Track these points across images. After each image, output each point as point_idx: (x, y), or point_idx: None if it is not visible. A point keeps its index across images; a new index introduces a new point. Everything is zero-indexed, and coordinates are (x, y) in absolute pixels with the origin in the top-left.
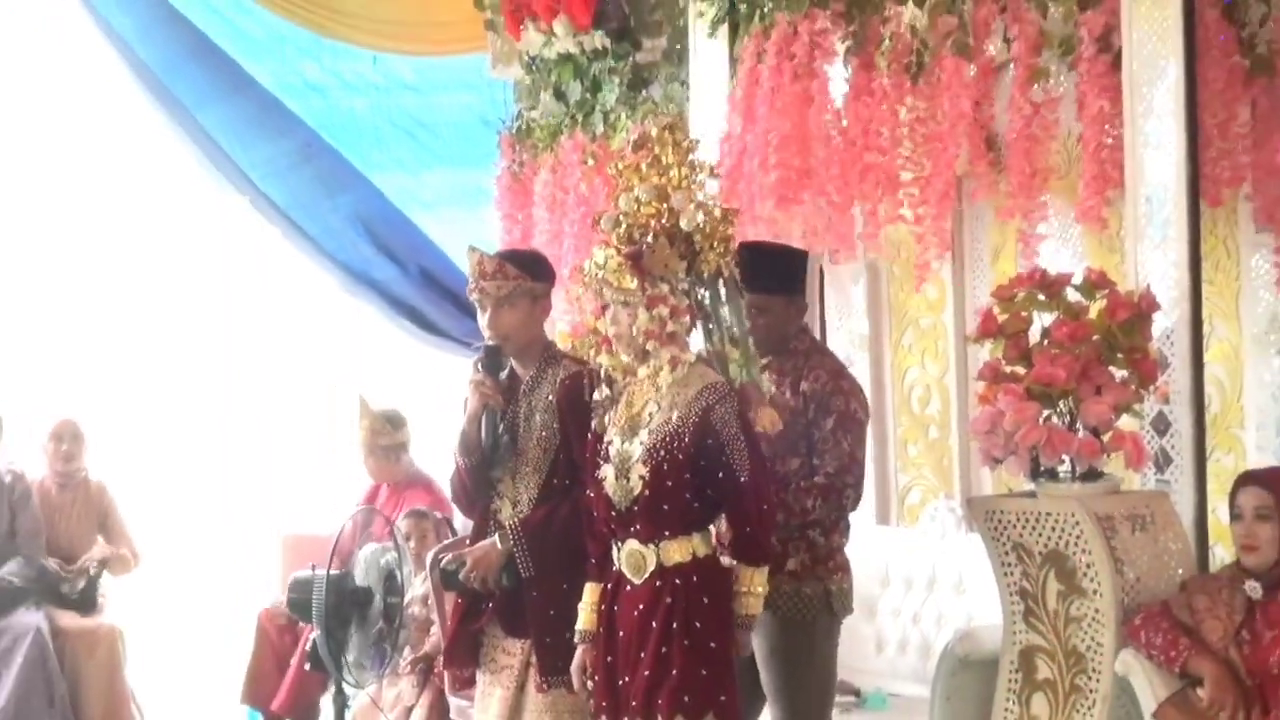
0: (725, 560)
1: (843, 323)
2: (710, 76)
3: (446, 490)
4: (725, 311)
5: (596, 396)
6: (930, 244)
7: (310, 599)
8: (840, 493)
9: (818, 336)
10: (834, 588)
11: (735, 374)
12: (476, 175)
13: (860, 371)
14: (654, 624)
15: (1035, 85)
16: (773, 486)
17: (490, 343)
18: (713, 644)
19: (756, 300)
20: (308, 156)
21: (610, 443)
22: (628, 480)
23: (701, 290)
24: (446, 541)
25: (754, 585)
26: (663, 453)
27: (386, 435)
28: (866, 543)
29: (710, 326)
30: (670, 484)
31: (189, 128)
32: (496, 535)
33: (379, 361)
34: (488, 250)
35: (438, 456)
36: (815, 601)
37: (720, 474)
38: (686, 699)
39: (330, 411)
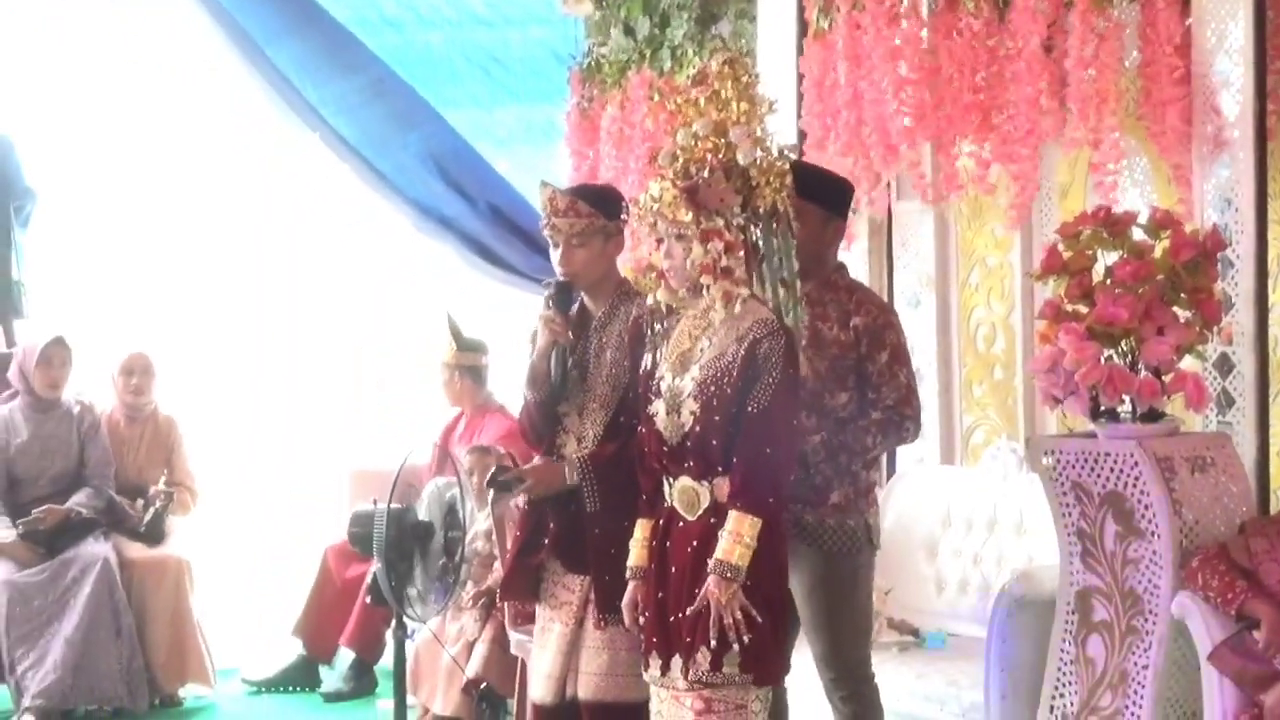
0: None
1: (909, 262)
2: (780, 12)
3: None
4: (778, 252)
5: (655, 330)
6: (1026, 181)
7: (371, 532)
8: (900, 425)
9: (884, 277)
10: (872, 521)
11: (784, 317)
12: (548, 111)
13: (926, 312)
14: (709, 561)
15: (1100, 18)
16: (788, 445)
17: (562, 279)
18: (749, 581)
19: (794, 203)
20: (380, 93)
21: (662, 378)
22: (679, 415)
23: (756, 229)
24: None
25: (741, 531)
26: (713, 388)
27: (470, 355)
28: (929, 483)
29: (762, 267)
30: (719, 419)
31: (259, 63)
32: (565, 466)
33: (453, 300)
34: (559, 186)
35: (510, 394)
36: (858, 534)
37: (745, 404)
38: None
39: (401, 349)
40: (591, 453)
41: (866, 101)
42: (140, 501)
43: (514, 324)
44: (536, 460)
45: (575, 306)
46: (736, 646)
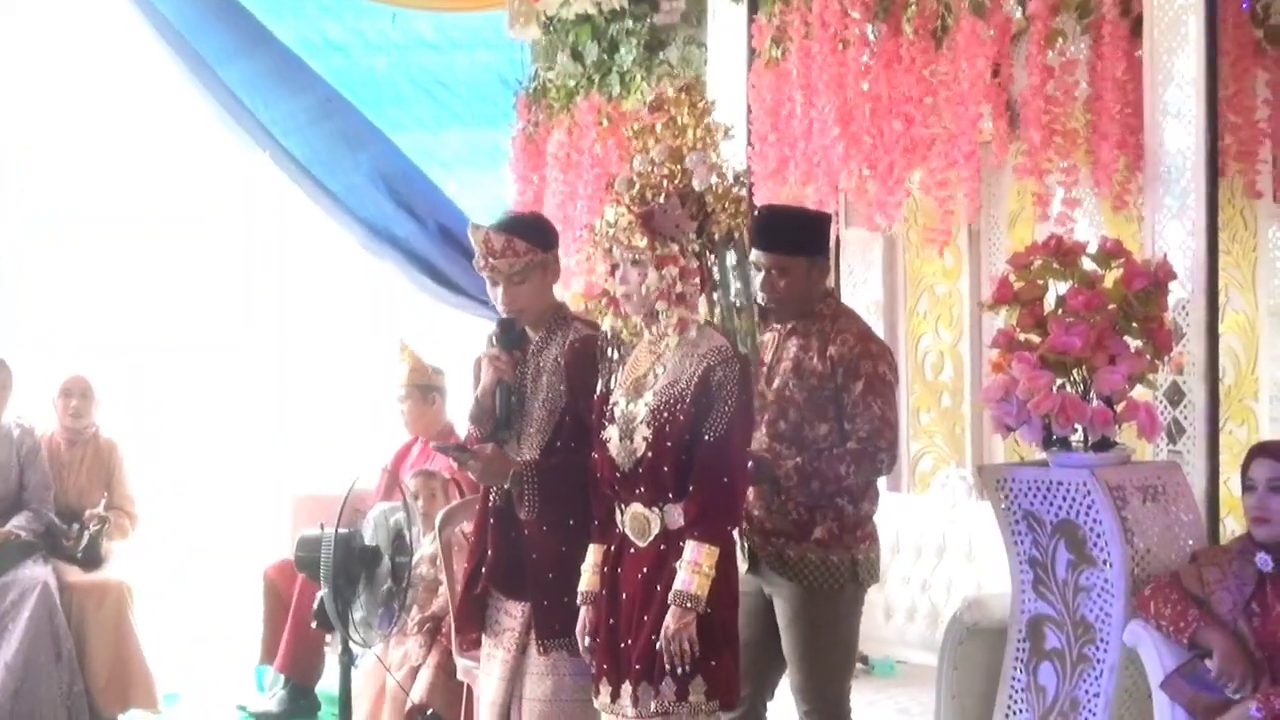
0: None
1: (857, 290)
2: (728, 40)
3: None
4: (733, 278)
5: (609, 357)
6: (961, 207)
7: (318, 557)
8: (873, 457)
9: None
10: (860, 556)
11: (739, 345)
12: (493, 135)
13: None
14: (658, 588)
15: (1051, 50)
16: (743, 473)
17: (505, 317)
18: (709, 610)
19: (777, 261)
20: (328, 113)
21: (616, 404)
22: (631, 442)
23: (711, 256)
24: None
25: (699, 561)
26: (666, 415)
27: (425, 375)
28: (880, 511)
29: (715, 295)
30: (672, 446)
31: (209, 83)
32: (511, 476)
33: (401, 324)
34: (488, 220)
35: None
36: (842, 570)
37: (699, 431)
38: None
39: (351, 371)
40: (536, 460)
41: (816, 129)
42: (75, 526)
43: (466, 354)
44: (489, 446)
45: (519, 341)
46: (701, 675)
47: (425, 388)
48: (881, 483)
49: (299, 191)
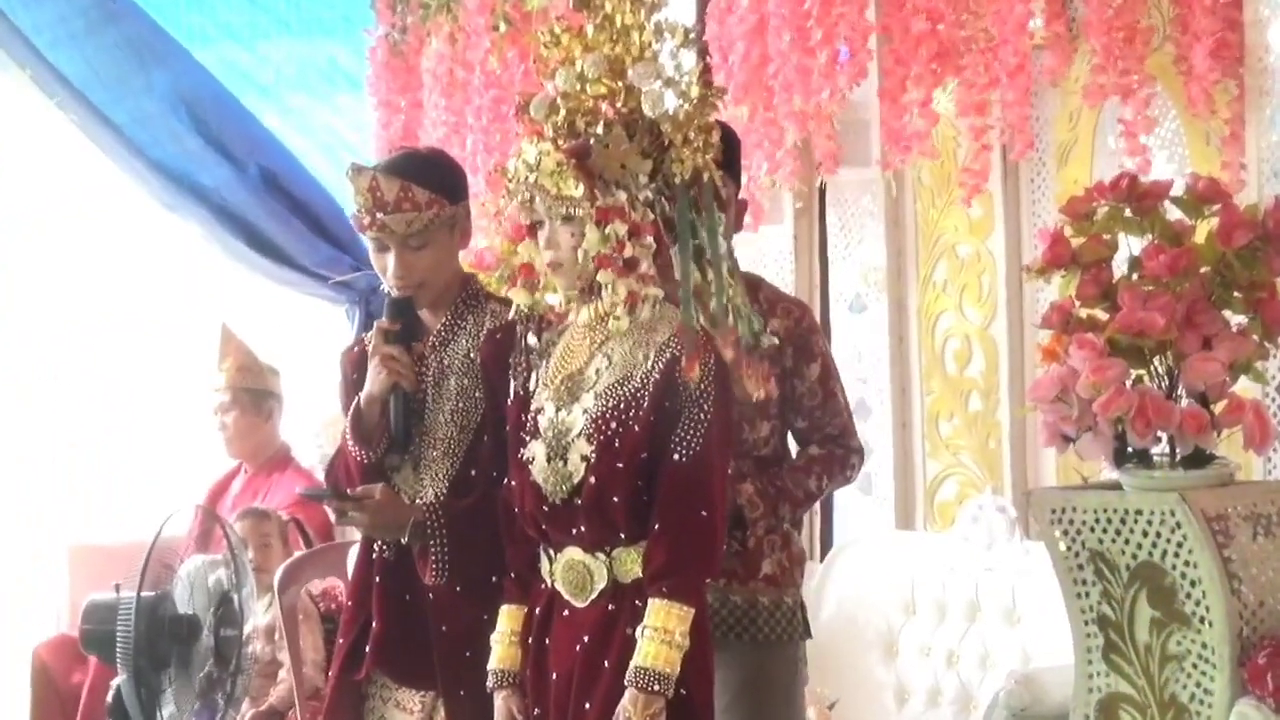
0: None
1: (850, 253)
2: None
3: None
4: (703, 231)
5: (525, 344)
6: (1011, 139)
7: (112, 630)
8: (844, 462)
9: (814, 273)
10: (803, 599)
11: (716, 319)
12: (330, 47)
13: (874, 320)
14: (605, 663)
15: None
16: (724, 504)
17: (398, 294)
18: (684, 690)
19: None
20: (111, 16)
21: (540, 411)
22: (564, 463)
23: (669, 205)
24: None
25: (668, 627)
26: (614, 425)
27: (256, 375)
28: (884, 556)
29: (676, 255)
30: (622, 467)
31: None
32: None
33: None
34: (366, 158)
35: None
36: (798, 614)
37: (663, 448)
38: None
39: (152, 375)
40: (443, 500)
41: (797, 31)
42: None
43: (303, 350)
44: (379, 488)
45: (416, 330)
46: None
47: (256, 393)
48: (888, 516)
49: (72, 130)
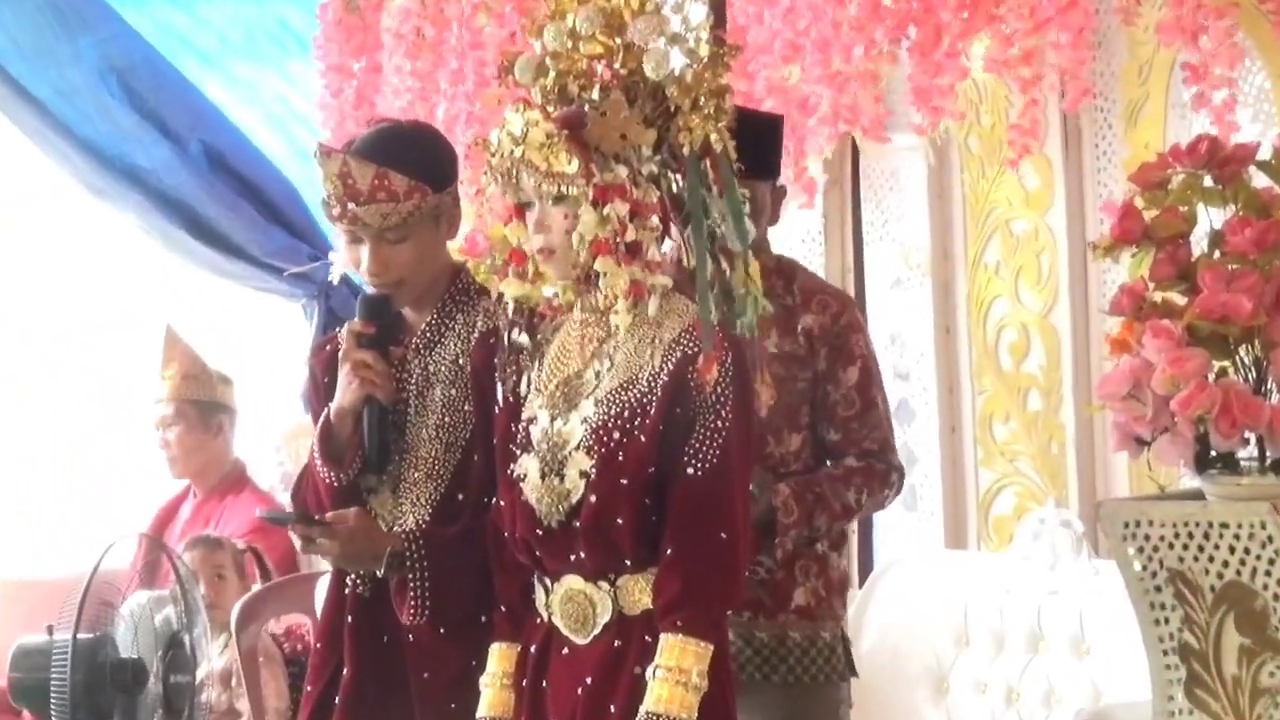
0: None
1: (888, 231)
2: None
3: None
4: (720, 210)
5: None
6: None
7: (45, 680)
8: (885, 477)
9: (847, 252)
10: (847, 633)
11: (737, 312)
12: (283, 8)
13: (918, 303)
14: (612, 708)
15: None
16: (747, 524)
17: (373, 293)
18: None
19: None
20: None
21: (533, 420)
22: (561, 480)
23: (677, 180)
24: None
25: (683, 666)
26: (618, 435)
27: (204, 385)
28: (932, 579)
29: (687, 239)
30: (628, 484)
31: None
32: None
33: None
34: (324, 135)
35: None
36: (838, 651)
37: (674, 462)
38: None
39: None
40: (426, 531)
41: None
42: None
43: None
44: (352, 513)
45: (395, 332)
46: None
47: (204, 405)
48: (937, 533)
49: None
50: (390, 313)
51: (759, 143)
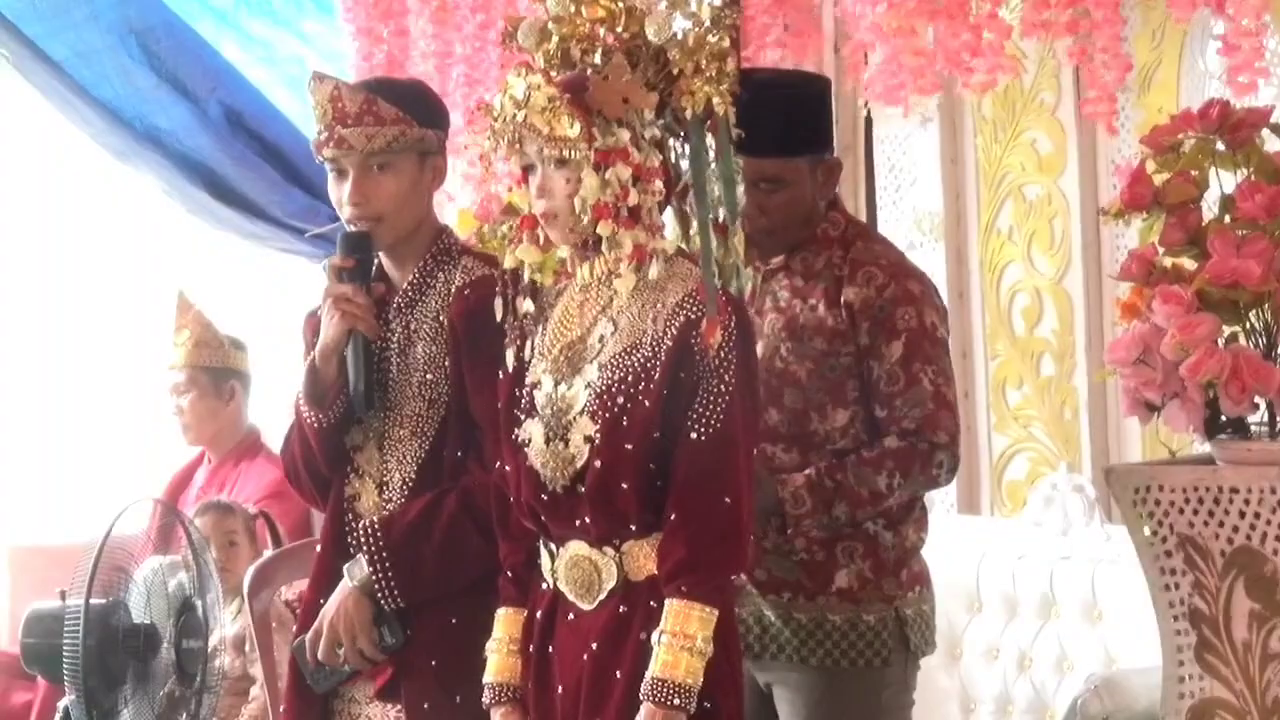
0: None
1: (901, 195)
2: None
3: None
4: (715, 176)
5: (515, 309)
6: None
7: (58, 645)
8: (927, 459)
9: (863, 215)
10: (909, 611)
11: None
12: None
13: (931, 268)
14: (617, 673)
15: None
16: (751, 488)
17: (354, 227)
18: (708, 704)
19: (768, 167)
20: None
21: (537, 385)
22: (566, 445)
23: (679, 145)
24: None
25: (688, 632)
26: (621, 400)
27: (216, 351)
28: (945, 544)
29: (689, 207)
30: (632, 449)
31: None
32: (347, 568)
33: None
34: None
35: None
36: (883, 635)
37: (678, 426)
38: None
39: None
40: (385, 519)
41: None
42: None
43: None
44: (333, 602)
45: (374, 271)
46: None
47: (216, 372)
48: (948, 497)
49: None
50: (371, 248)
51: (798, 115)
